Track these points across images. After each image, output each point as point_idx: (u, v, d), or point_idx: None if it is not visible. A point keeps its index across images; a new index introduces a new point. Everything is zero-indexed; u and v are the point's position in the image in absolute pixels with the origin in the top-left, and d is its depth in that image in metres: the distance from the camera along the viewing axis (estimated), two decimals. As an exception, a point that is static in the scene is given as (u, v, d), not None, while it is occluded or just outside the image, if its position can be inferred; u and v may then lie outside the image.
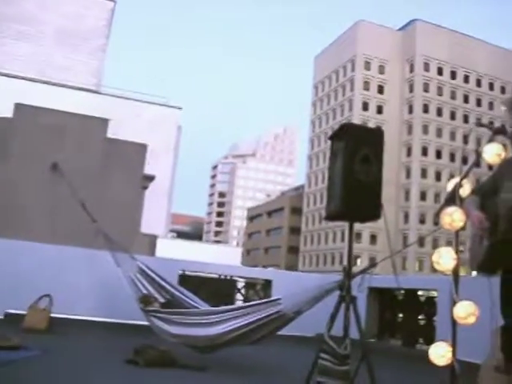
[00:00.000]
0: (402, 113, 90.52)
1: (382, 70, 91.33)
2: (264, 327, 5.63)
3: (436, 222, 79.77)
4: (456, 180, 3.25)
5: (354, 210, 4.30)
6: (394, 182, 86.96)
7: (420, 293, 8.90)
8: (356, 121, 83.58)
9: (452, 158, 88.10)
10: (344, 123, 4.52)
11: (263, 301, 6.06)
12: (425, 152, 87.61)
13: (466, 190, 3.27)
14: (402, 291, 9.05)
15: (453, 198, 3.22)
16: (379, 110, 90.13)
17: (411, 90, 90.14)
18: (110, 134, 15.42)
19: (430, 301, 8.50)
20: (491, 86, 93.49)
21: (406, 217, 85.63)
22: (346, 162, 4.20)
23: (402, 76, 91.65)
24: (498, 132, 3.37)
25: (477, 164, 3.54)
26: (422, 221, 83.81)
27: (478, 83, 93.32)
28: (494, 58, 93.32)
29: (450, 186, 3.30)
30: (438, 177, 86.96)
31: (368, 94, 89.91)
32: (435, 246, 79.05)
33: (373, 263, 5.17)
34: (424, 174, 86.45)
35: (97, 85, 50.08)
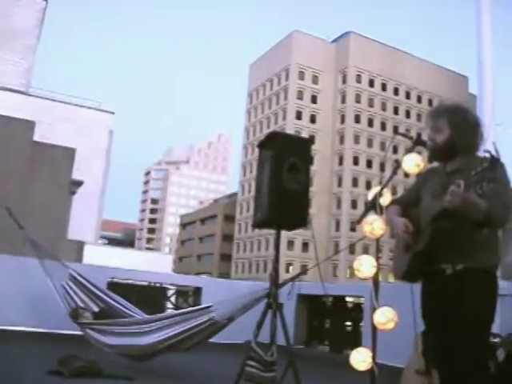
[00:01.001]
0: (334, 122, 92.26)
1: (315, 80, 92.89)
2: (197, 334, 5.61)
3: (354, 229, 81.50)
4: (376, 189, 3.35)
5: (281, 218, 4.35)
6: (327, 190, 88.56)
7: (350, 299, 9.07)
8: (289, 130, 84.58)
9: (382, 167, 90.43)
10: (271, 132, 4.59)
11: (196, 308, 6.02)
12: (356, 161, 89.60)
13: (386, 199, 3.37)
14: (331, 298, 9.21)
15: (373, 207, 3.32)
16: (312, 120, 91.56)
17: (343, 101, 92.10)
18: (38, 138, 14.98)
19: (358, 307, 8.69)
20: (419, 99, 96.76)
21: (338, 224, 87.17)
22: (274, 171, 4.25)
23: (335, 86, 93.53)
24: (418, 143, 3.50)
25: (396, 172, 3.67)
26: (353, 228, 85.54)
27: (407, 95, 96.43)
28: (422, 71, 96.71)
29: (371, 194, 3.39)
30: (369, 185, 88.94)
31: (302, 103, 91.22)
32: (366, 253, 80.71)
33: (301, 271, 5.26)
34: (355, 182, 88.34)
35: (26, 86, 48.56)
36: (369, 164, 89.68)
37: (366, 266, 3.15)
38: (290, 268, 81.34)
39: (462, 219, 3.08)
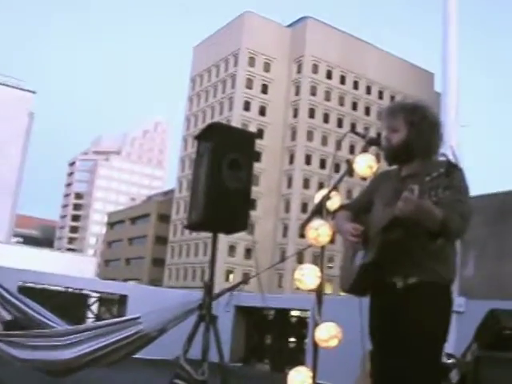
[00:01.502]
0: (286, 116, 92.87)
1: (267, 67, 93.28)
2: (124, 348, 5.53)
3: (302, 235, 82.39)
4: (324, 191, 3.39)
5: (219, 220, 4.35)
6: (275, 191, 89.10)
7: (295, 313, 9.14)
8: (236, 121, 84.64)
9: (337, 168, 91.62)
10: (212, 122, 4.57)
11: (123, 319, 5.93)
12: (308, 160, 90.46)
13: (334, 203, 3.41)
14: (273, 311, 9.26)
15: (320, 211, 3.35)
16: (262, 112, 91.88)
17: (297, 93, 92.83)
18: None
19: (302, 322, 8.76)
20: (380, 95, 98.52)
21: (286, 230, 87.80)
22: (212, 166, 4.24)
23: (289, 76, 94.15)
24: (372, 142, 3.56)
25: (350, 174, 3.72)
26: (303, 235, 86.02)
27: (368, 90, 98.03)
28: (385, 64, 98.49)
29: (318, 197, 3.43)
30: (322, 188, 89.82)
31: (251, 93, 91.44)
32: (316, 262, 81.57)
33: (241, 280, 5.26)
34: (306, 184, 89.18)
35: None
36: (322, 164, 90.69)
37: (308, 276, 3.18)
38: (231, 276, 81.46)
39: (415, 229, 3.15)
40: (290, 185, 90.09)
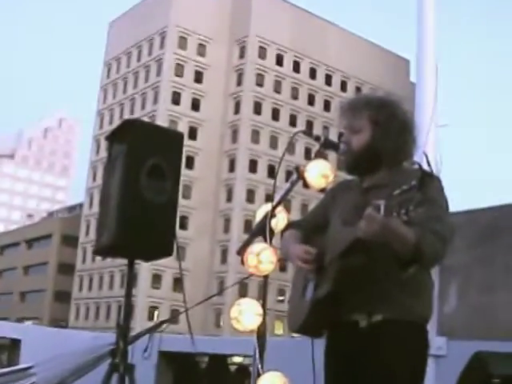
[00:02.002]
0: (226, 112, 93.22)
1: (202, 51, 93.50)
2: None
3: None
4: (267, 207, 3.38)
5: (136, 243, 4.29)
6: (211, 205, 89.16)
7: (237, 359, 9.16)
8: (162, 118, 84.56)
9: (289, 177, 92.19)
10: (127, 119, 4.53)
11: (11, 370, 5.88)
12: (254, 167, 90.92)
13: (279, 221, 3.42)
14: (207, 358, 9.24)
15: (261, 232, 3.35)
16: (195, 106, 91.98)
17: (240, 83, 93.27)
18: None
19: (244, 371, 8.76)
20: (344, 86, 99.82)
21: (225, 254, 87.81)
22: (127, 174, 4.18)
23: (229, 62, 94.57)
24: (328, 146, 3.58)
25: (304, 185, 3.72)
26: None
27: (328, 80, 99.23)
28: (350, 49, 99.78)
29: (260, 214, 3.43)
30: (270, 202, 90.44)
31: (181, 82, 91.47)
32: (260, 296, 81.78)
33: (167, 318, 5.23)
34: (251, 196, 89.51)
35: None
36: (271, 171, 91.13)
37: (247, 314, 3.17)
38: (156, 313, 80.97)
39: (382, 254, 3.18)
40: (230, 198, 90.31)
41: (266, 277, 3.21)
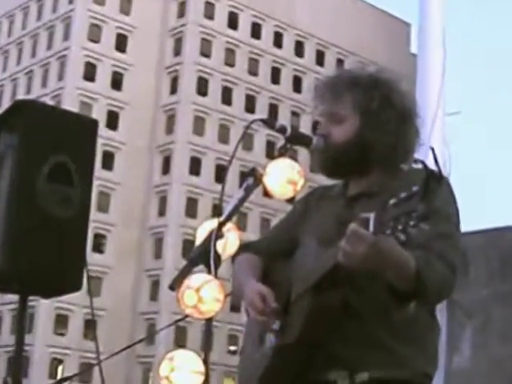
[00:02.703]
0: (158, 91, 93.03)
1: (126, 7, 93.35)
2: None
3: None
4: (211, 223, 3.37)
5: (30, 273, 4.27)
6: (138, 221, 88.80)
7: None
8: (70, 98, 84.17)
9: (244, 181, 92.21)
10: (20, 100, 4.50)
11: None
12: (196, 167, 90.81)
13: (229, 243, 3.41)
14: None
15: (204, 258, 3.32)
16: (116, 83, 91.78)
17: (178, 51, 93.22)
18: None
19: None
20: (320, 58, 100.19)
21: (155, 288, 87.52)
22: (20, 177, 4.15)
23: (164, 23, 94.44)
24: (297, 140, 3.56)
25: (265, 193, 3.70)
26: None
27: (299, 50, 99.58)
28: (325, 7, 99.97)
29: (202, 233, 3.41)
30: (219, 215, 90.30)
31: (97, 49, 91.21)
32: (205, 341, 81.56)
33: (66, 377, 5.23)
34: (192, 208, 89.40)
35: None
36: (219, 174, 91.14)
37: (182, 371, 3.15)
38: (60, 368, 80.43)
39: (371, 287, 3.19)
40: (162, 211, 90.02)
41: (209, 320, 3.19)
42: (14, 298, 4.40)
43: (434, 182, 2.74)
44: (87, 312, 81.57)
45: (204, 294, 3.07)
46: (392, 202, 2.81)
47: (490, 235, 7.00)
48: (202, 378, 3.13)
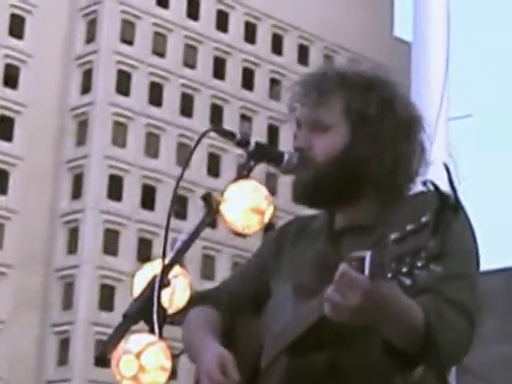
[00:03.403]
0: (66, 90, 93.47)
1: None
2: None
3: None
4: (153, 267, 3.36)
5: None
6: (41, 261, 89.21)
7: None
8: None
9: (181, 210, 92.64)
10: None
11: None
12: (117, 189, 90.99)
13: (178, 294, 3.41)
14: None
15: (144, 315, 3.31)
16: (10, 79, 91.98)
17: (92, 38, 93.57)
18: None
19: None
20: (277, 44, 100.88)
21: (65, 348, 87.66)
22: None
23: (73, 2, 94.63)
24: (264, 156, 3.47)
25: (212, 225, 3.60)
26: (104, 365, 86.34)
27: (250, 34, 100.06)
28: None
29: (140, 283, 3.39)
30: (147, 255, 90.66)
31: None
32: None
33: None
34: (112, 243, 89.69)
35: None
36: (146, 197, 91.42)
37: None
38: None
39: (365, 347, 3.19)
40: (73, 247, 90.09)
41: (152, 395, 3.19)
42: None
43: (450, 211, 2.56)
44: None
45: (146, 361, 3.05)
46: (394, 237, 2.65)
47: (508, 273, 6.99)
48: None
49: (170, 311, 3.24)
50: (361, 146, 3.34)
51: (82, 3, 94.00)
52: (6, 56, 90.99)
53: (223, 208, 3.28)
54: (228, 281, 3.86)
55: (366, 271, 2.70)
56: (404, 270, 2.57)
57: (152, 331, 3.14)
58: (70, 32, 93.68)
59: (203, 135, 3.44)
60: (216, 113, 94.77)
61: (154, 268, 3.28)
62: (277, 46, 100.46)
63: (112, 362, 3.06)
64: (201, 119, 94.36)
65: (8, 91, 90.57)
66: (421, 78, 6.30)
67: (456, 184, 2.56)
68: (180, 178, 3.51)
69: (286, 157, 3.39)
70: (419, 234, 2.56)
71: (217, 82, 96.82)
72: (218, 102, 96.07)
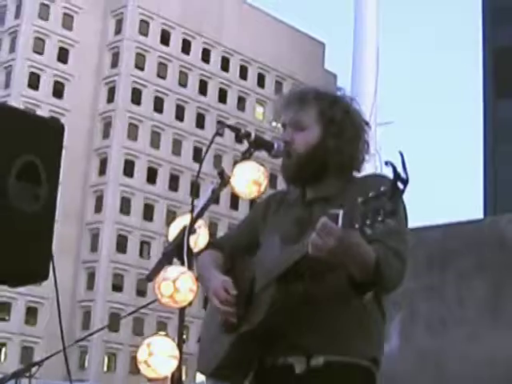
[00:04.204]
0: (96, 100, 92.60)
1: (68, 22, 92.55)
2: None
3: (140, 291, 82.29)
4: (183, 220, 3.30)
5: (1, 265, 4.16)
6: (75, 217, 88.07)
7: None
8: (15, 105, 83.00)
9: (176, 184, 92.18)
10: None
11: None
12: (129, 169, 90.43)
13: (201, 240, 3.35)
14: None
15: (177, 253, 3.25)
16: (58, 92, 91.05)
17: (115, 64, 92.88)
18: None
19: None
20: (243, 71, 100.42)
21: (91, 279, 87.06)
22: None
23: (103, 38, 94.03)
24: (261, 145, 3.51)
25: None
26: (119, 288, 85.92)
27: (225, 64, 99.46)
28: (250, 26, 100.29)
29: (174, 230, 3.34)
30: (150, 213, 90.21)
31: (41, 60, 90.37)
32: (139, 330, 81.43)
33: (35, 362, 5.09)
34: (126, 206, 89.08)
35: None
36: (152, 175, 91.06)
37: (159, 356, 3.07)
38: (3, 351, 79.54)
39: (332, 277, 3.19)
40: (99, 208, 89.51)
41: (182, 309, 3.14)
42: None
43: (402, 183, 2.74)
44: (29, 300, 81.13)
45: (179, 285, 3.02)
46: (360, 200, 2.81)
47: (417, 234, 7.05)
48: (176, 363, 3.08)
49: (195, 250, 3.22)
50: (328, 140, 3.43)
51: (108, 40, 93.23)
52: (55, 75, 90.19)
53: (232, 180, 3.27)
54: (229, 233, 3.88)
55: (340, 223, 2.87)
56: (368, 222, 2.77)
57: (183, 264, 3.10)
58: (100, 59, 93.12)
59: (218, 130, 3.58)
60: (199, 119, 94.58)
61: (184, 221, 3.25)
62: (243, 72, 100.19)
63: (155, 285, 3.04)
64: (189, 123, 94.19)
65: (56, 100, 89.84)
66: (358, 93, 6.20)
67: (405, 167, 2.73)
68: (201, 163, 3.57)
69: (276, 146, 3.44)
70: (379, 199, 2.75)
71: (201, 98, 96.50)
72: (201, 111, 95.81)
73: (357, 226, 2.83)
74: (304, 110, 3.48)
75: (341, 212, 2.90)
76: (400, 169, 2.76)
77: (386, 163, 2.74)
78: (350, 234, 2.92)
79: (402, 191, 2.75)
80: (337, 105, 3.50)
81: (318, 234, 2.93)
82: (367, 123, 3.60)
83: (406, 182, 2.74)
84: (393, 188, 2.74)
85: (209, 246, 3.63)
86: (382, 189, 2.76)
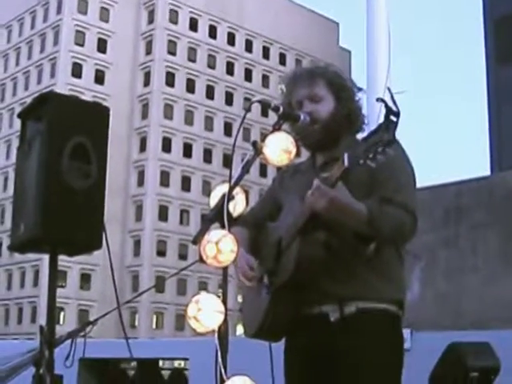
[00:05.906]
0: (134, 85, 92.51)
1: (105, 15, 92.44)
2: None
3: (182, 257, 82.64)
4: (223, 188, 3.30)
5: (59, 236, 4.19)
6: (121, 190, 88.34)
7: (165, 364, 9.10)
8: (62, 92, 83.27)
9: (210, 157, 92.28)
10: (46, 92, 4.40)
11: None
12: (167, 146, 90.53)
13: (239, 204, 3.35)
14: (134, 363, 9.14)
15: (218, 218, 3.26)
16: (99, 79, 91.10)
17: (149, 51, 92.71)
18: None
19: (179, 376, 8.68)
20: (265, 52, 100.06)
21: (138, 246, 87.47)
22: (48, 156, 4.07)
23: (137, 28, 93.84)
24: (289, 117, 3.50)
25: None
26: (162, 253, 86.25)
27: (248, 47, 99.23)
28: (270, 11, 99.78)
29: (214, 198, 3.34)
30: (188, 184, 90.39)
31: (82, 51, 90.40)
32: (182, 290, 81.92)
33: (89, 321, 5.11)
34: (165, 180, 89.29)
35: None
36: (188, 151, 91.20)
37: (207, 311, 3.09)
38: (61, 315, 80.00)
39: (343, 231, 3.25)
40: (141, 181, 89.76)
41: (225, 268, 3.15)
42: (35, 256, 4.32)
43: (394, 115, 2.86)
44: (82, 268, 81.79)
45: (222, 246, 3.04)
46: (362, 137, 3.01)
47: (434, 190, 7.07)
48: (222, 317, 3.10)
49: (234, 215, 3.22)
50: (343, 105, 3.53)
51: (142, 29, 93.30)
52: (96, 64, 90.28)
53: (265, 150, 3.27)
54: (253, 206, 3.91)
55: (346, 163, 3.00)
56: (370, 156, 2.87)
57: (223, 228, 3.12)
58: (135, 48, 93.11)
59: (251, 104, 3.64)
60: (228, 97, 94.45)
61: (223, 188, 3.25)
62: (266, 53, 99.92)
63: (200, 248, 3.06)
64: (219, 102, 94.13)
65: (98, 86, 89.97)
66: (373, 66, 6.20)
67: (394, 100, 2.89)
68: (236, 137, 3.64)
69: (302, 117, 3.45)
70: (377, 133, 2.88)
71: (229, 78, 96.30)
72: (230, 90, 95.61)
73: (361, 161, 2.92)
74: (316, 83, 3.55)
75: (346, 154, 2.99)
76: (390, 103, 2.87)
77: (377, 99, 2.87)
78: (338, 195, 3.09)
79: (396, 123, 2.86)
80: (339, 79, 3.60)
81: (312, 194, 3.11)
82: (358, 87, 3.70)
83: (397, 114, 2.85)
84: (386, 121, 2.86)
85: (235, 222, 3.53)
86: (379, 123, 2.88)
